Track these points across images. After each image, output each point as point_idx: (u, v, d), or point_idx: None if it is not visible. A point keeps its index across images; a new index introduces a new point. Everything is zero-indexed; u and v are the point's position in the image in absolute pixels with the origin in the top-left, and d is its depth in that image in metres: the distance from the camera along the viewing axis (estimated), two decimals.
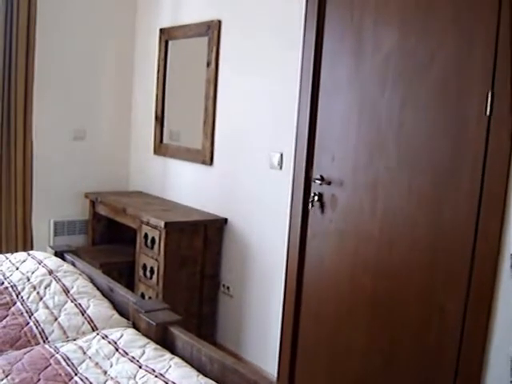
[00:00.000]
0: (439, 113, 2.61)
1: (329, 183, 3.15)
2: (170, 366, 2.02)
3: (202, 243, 3.88)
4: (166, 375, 1.95)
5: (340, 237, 3.12)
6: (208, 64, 4.08)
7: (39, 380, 1.97)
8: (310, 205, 3.23)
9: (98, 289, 2.79)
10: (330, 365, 3.20)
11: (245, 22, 3.80)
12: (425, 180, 2.68)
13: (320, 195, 3.20)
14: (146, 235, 3.88)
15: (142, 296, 3.87)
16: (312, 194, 3.22)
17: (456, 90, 2.53)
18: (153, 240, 3.80)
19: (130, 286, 4.04)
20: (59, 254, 3.21)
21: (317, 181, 3.19)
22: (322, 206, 3.20)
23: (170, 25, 4.55)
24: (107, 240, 4.83)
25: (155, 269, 3.80)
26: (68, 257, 3.16)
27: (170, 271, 3.77)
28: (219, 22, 4.00)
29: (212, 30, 4.04)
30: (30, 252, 3.23)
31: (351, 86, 3.04)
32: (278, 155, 3.48)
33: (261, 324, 3.70)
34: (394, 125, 2.80)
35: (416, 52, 2.71)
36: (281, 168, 3.47)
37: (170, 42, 4.59)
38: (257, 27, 3.69)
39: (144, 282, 3.94)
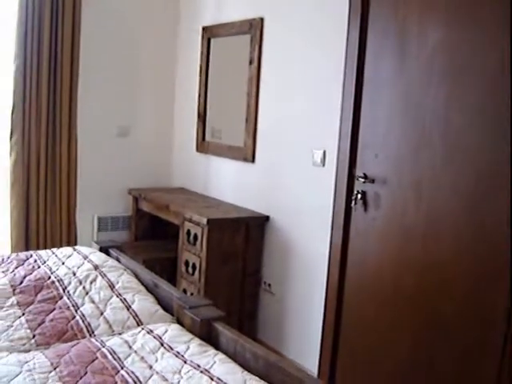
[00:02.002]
0: (487, 113, 2.57)
1: (372, 181, 3.12)
2: (215, 362, 2.04)
3: (243, 240, 3.89)
4: (211, 371, 1.97)
5: (383, 235, 3.10)
6: (250, 62, 4.09)
7: (86, 373, 2.00)
8: (353, 203, 3.22)
9: (142, 284, 2.83)
10: (372, 363, 3.18)
11: (287, 19, 3.80)
12: (470, 179, 2.64)
13: (363, 193, 3.18)
14: (188, 232, 3.92)
15: (184, 292, 3.90)
16: (355, 192, 3.21)
17: (505, 89, 2.48)
18: (195, 236, 3.83)
19: (172, 281, 4.06)
20: (104, 250, 3.26)
21: (360, 179, 3.17)
22: (365, 204, 3.18)
23: (213, 23, 4.57)
24: (149, 236, 4.88)
25: (197, 265, 3.83)
26: (113, 252, 3.21)
27: (212, 268, 3.80)
28: (262, 19, 4.00)
29: (254, 28, 4.05)
30: (76, 247, 3.29)
31: (395, 83, 3.01)
32: (321, 152, 3.47)
33: (302, 321, 3.70)
34: (440, 123, 2.76)
35: (463, 48, 2.67)
36: (323, 165, 3.46)
37: (213, 40, 4.61)
38: (299, 25, 3.69)
39: (186, 278, 3.98)
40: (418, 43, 2.88)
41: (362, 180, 3.17)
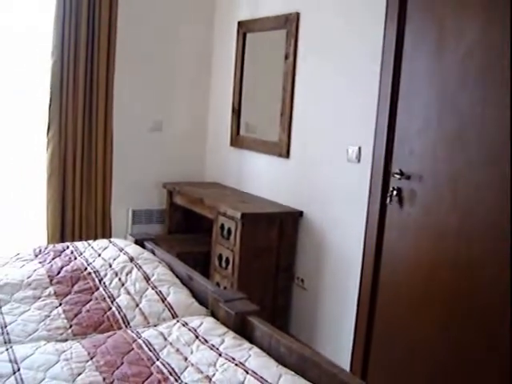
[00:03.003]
0: None
1: (408, 177, 3.10)
2: (250, 356, 2.04)
3: (277, 235, 3.89)
4: (246, 364, 1.98)
5: (418, 232, 3.07)
6: (286, 57, 4.08)
7: (122, 363, 2.03)
8: (389, 199, 3.19)
9: (177, 277, 2.85)
10: (404, 360, 3.16)
11: (323, 14, 3.78)
12: (506, 176, 2.60)
13: (399, 189, 3.16)
14: (222, 226, 3.93)
15: (217, 286, 3.91)
16: (391, 189, 3.18)
17: None
18: (229, 231, 3.85)
19: (205, 275, 4.06)
20: (139, 242, 3.29)
21: (396, 175, 3.15)
22: (400, 200, 3.15)
23: (248, 17, 4.57)
24: (183, 229, 4.91)
25: (230, 259, 3.85)
26: (148, 245, 3.24)
27: (245, 262, 3.81)
28: (298, 14, 3.99)
29: (290, 23, 4.04)
30: (112, 239, 3.33)
31: (432, 79, 2.98)
32: (356, 149, 3.45)
33: (334, 317, 3.69)
34: (476, 121, 2.72)
35: (499, 47, 2.62)
36: (359, 161, 3.44)
37: (248, 35, 4.61)
38: (336, 20, 3.67)
39: (219, 272, 4.00)
40: (454, 40, 2.85)
41: (398, 176, 3.14)
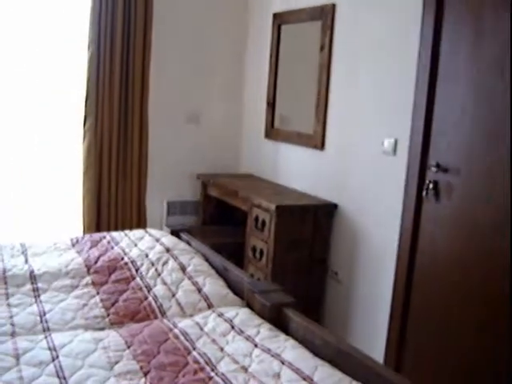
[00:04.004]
0: None
1: (445, 170, 3.06)
2: (286, 347, 2.05)
3: (311, 227, 3.88)
4: (282, 355, 1.98)
5: (455, 225, 3.04)
6: (321, 48, 4.06)
7: (159, 353, 2.05)
8: (425, 192, 3.16)
9: (212, 268, 2.86)
10: (439, 356, 3.13)
11: (360, 5, 3.74)
12: None
13: (435, 183, 3.12)
14: (256, 217, 3.94)
15: (251, 277, 3.93)
16: (427, 182, 3.15)
17: None
18: (263, 222, 3.85)
19: (239, 266, 4.09)
20: (174, 233, 3.31)
21: (432, 168, 3.12)
22: (437, 193, 3.12)
23: (283, 9, 4.56)
24: (216, 221, 4.93)
25: (264, 251, 3.85)
26: (183, 236, 3.26)
27: (279, 254, 3.81)
28: (333, 5, 3.96)
29: (326, 14, 4.01)
30: (148, 230, 3.36)
31: (469, 70, 2.94)
32: (393, 141, 3.42)
33: (368, 311, 3.67)
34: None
35: None
36: (395, 154, 3.41)
37: (283, 27, 4.60)
38: (372, 11, 3.63)
39: (253, 264, 4.01)
40: (491, 30, 2.81)
41: (435, 169, 3.11)
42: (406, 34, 3.31)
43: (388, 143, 3.45)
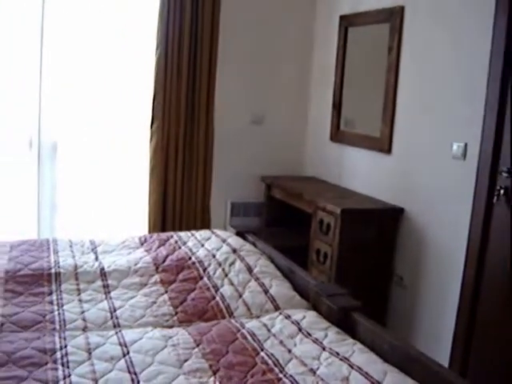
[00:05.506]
0: None
1: None
2: (354, 351, 2.04)
3: (376, 232, 3.85)
4: (351, 359, 1.98)
5: None
6: (389, 51, 4.02)
7: (228, 352, 2.07)
8: (495, 198, 3.09)
9: (278, 269, 2.87)
10: (506, 365, 3.05)
11: (429, 7, 3.69)
12: None
13: (506, 188, 3.05)
14: (321, 220, 3.92)
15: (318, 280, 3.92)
16: (498, 187, 3.08)
17: None
18: (328, 226, 3.83)
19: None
20: (240, 234, 3.34)
21: (504, 173, 3.05)
22: (508, 199, 3.05)
23: (351, 12, 4.53)
24: (280, 223, 4.93)
25: (329, 254, 3.83)
26: (249, 237, 3.28)
27: (344, 258, 3.78)
28: (402, 8, 3.92)
29: (394, 17, 3.97)
30: (214, 230, 3.39)
31: None
32: (462, 145, 3.35)
33: (434, 317, 3.61)
34: None
35: None
36: (464, 158, 3.35)
37: (350, 29, 4.57)
38: (441, 13, 3.57)
39: (317, 267, 3.99)
40: None
41: (506, 175, 3.04)
42: (478, 34, 3.24)
43: (457, 147, 3.39)
